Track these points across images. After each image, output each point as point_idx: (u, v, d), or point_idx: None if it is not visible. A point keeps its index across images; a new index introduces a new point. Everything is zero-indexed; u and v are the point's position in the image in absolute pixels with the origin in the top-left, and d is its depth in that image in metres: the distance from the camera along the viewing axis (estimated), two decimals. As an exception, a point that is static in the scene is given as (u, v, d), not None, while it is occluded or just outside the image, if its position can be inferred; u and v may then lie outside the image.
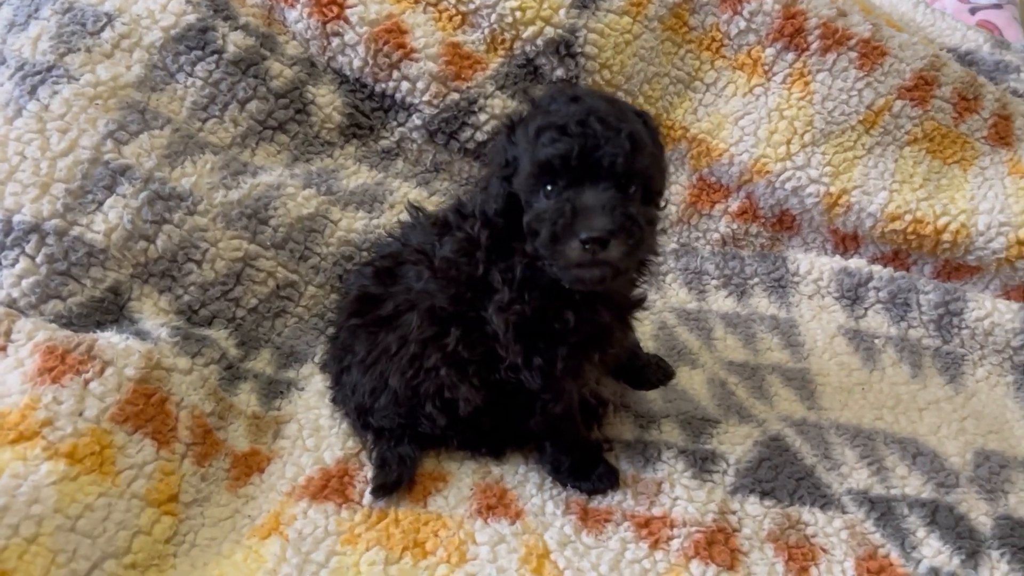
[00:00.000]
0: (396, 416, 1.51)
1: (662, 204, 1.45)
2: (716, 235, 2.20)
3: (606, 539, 1.43)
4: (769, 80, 2.13)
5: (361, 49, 1.91)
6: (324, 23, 1.89)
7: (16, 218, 1.51)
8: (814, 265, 2.10)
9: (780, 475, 1.55)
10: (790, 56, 2.10)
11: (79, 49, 1.66)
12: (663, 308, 2.02)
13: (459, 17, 1.97)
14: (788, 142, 2.09)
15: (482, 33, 1.97)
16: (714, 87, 2.17)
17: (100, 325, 1.53)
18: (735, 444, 1.63)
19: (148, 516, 1.35)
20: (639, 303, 1.52)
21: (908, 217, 2.04)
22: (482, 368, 1.44)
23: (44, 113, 1.59)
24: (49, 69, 1.62)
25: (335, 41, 1.91)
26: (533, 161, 1.23)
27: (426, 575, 1.35)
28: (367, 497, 1.46)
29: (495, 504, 1.48)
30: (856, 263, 2.08)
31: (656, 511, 1.48)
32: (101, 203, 1.56)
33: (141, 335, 1.52)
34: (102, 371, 1.41)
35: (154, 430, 1.41)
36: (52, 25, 1.67)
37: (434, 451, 1.58)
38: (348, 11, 1.88)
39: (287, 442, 1.58)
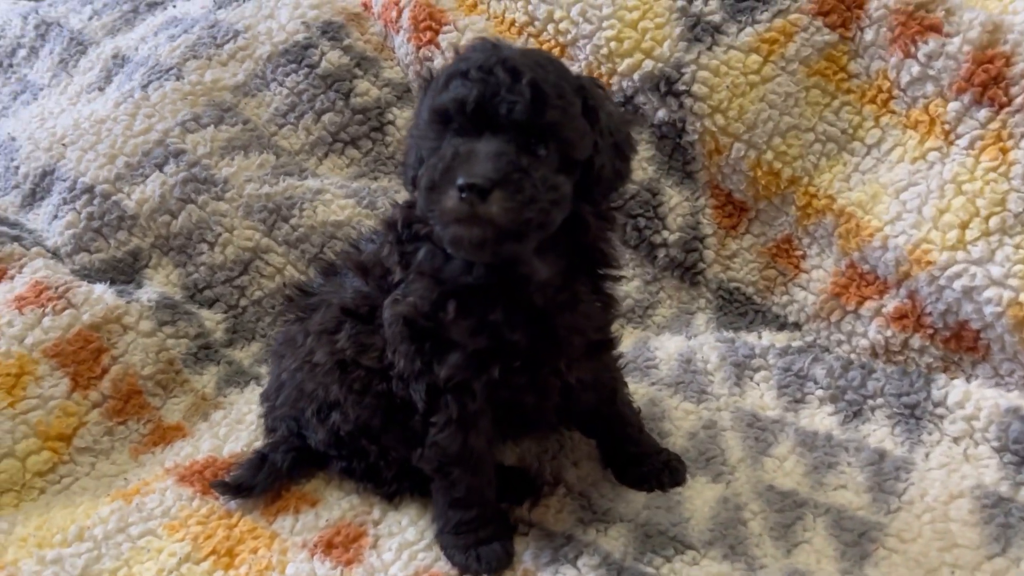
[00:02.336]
0: (289, 419, 1.38)
1: (614, 197, 1.22)
2: (864, 342, 1.65)
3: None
4: (950, 144, 1.57)
5: (447, 75, 1.86)
6: (418, 48, 1.89)
7: (80, 180, 1.75)
8: (971, 397, 1.46)
9: (726, 639, 1.10)
10: (983, 113, 1.54)
11: (201, 57, 1.90)
12: (725, 406, 1.55)
13: (558, 49, 1.81)
14: (964, 226, 1.51)
15: (579, 66, 1.78)
16: (877, 149, 1.67)
17: (112, 283, 1.65)
18: (690, 581, 1.19)
19: (28, 445, 1.41)
20: (603, 343, 1.31)
21: None
22: (372, 378, 1.25)
23: (144, 102, 1.84)
24: (168, 70, 1.88)
25: (427, 66, 1.89)
26: (430, 108, 1.09)
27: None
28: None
29: (336, 544, 1.28)
30: (1037, 405, 1.40)
31: (522, 619, 1.14)
32: (147, 177, 1.73)
33: (126, 294, 1.62)
34: (62, 311, 1.53)
35: (76, 372, 1.49)
36: (193, 37, 1.94)
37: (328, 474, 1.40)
38: (440, 36, 1.86)
39: (205, 425, 1.55)
